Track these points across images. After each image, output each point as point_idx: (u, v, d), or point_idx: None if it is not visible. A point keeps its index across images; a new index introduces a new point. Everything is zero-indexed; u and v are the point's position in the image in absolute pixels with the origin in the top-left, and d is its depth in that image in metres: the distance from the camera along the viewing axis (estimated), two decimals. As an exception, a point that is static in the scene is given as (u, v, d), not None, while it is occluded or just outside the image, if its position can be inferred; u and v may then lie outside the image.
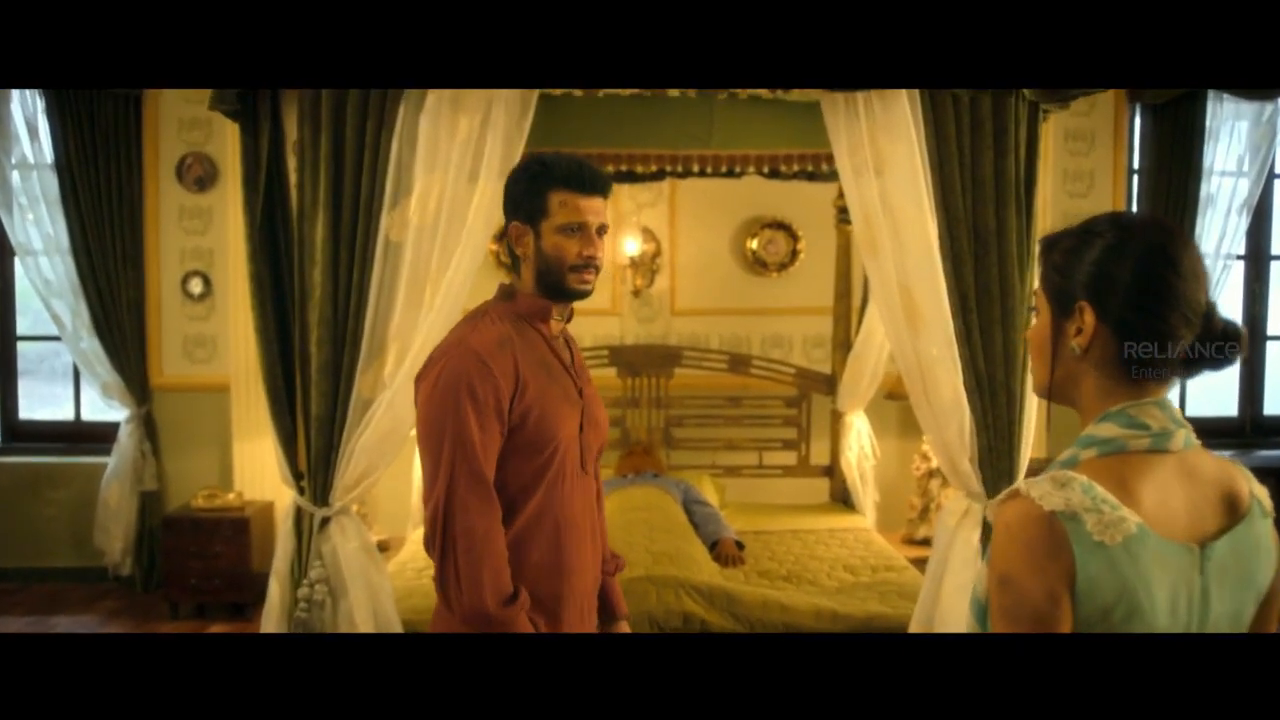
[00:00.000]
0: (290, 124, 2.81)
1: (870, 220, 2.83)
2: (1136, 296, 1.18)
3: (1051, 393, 1.27)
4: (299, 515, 2.89)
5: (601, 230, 1.91)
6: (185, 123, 5.13)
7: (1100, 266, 1.19)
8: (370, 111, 2.71)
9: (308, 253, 2.75)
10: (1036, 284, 1.30)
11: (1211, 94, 5.08)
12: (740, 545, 4.03)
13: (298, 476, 2.90)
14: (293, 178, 2.83)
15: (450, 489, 1.75)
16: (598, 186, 1.89)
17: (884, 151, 2.76)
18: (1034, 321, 1.31)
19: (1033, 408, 2.89)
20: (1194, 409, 5.55)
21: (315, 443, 2.81)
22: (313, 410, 2.80)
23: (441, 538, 1.75)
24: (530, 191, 1.87)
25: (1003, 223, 2.75)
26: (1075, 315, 1.22)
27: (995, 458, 2.84)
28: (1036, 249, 2.77)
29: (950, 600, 2.83)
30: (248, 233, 2.82)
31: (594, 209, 1.89)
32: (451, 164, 2.75)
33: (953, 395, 2.80)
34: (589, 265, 1.88)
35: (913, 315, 2.81)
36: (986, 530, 2.87)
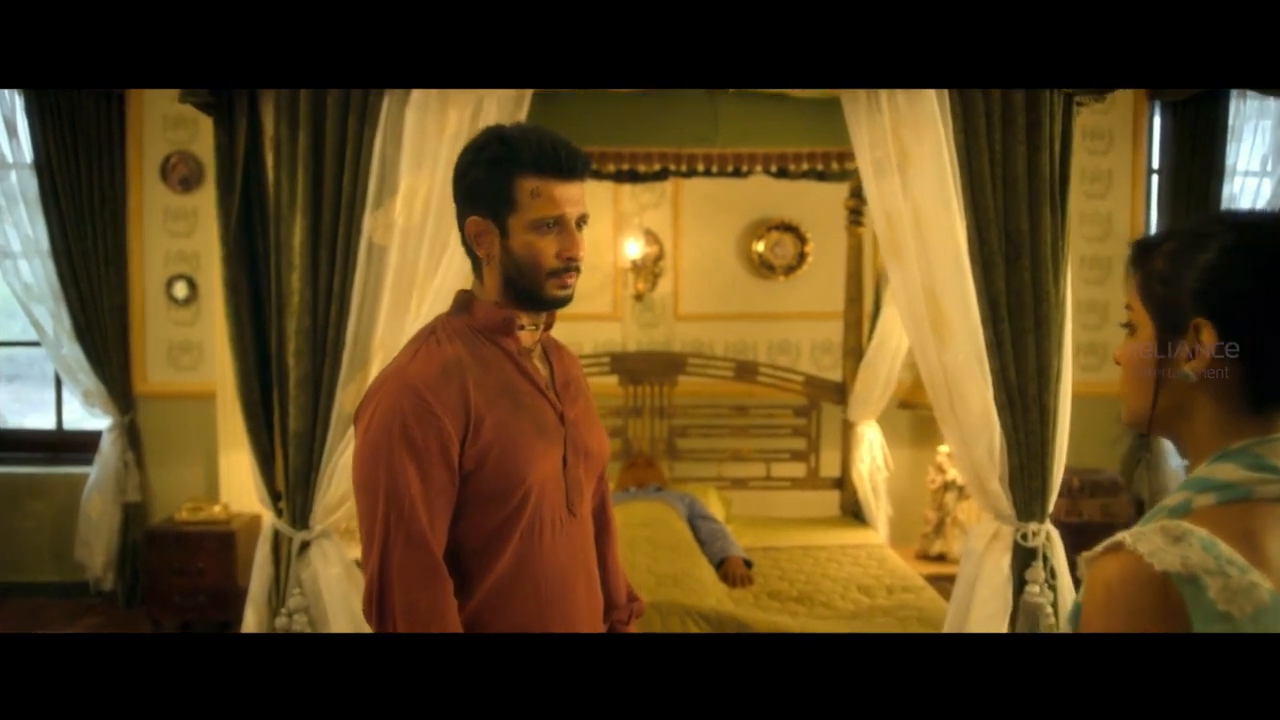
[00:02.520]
0: (268, 118, 2.61)
1: (893, 221, 2.62)
2: (1267, 309, 0.97)
3: (1153, 425, 1.06)
4: (277, 539, 2.70)
5: (582, 222, 1.58)
6: (170, 120, 4.96)
7: (1219, 274, 0.99)
8: (352, 105, 2.50)
9: (285, 257, 2.55)
10: (1130, 296, 1.09)
11: (1234, 91, 4.89)
12: (748, 564, 3.84)
13: (275, 497, 2.70)
14: (271, 176, 2.63)
15: (385, 557, 1.45)
16: (575, 168, 1.54)
17: (908, 147, 2.55)
18: (1127, 341, 1.10)
19: (1065, 424, 2.69)
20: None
21: (294, 461, 2.61)
22: (291, 426, 2.59)
23: (378, 615, 1.47)
24: (492, 179, 1.53)
25: (1036, 224, 2.54)
26: (1189, 334, 1.01)
27: (1027, 477, 2.63)
28: (1068, 252, 2.62)
29: (979, 632, 2.63)
30: (222, 236, 2.62)
31: (572, 197, 1.55)
32: (440, 161, 2.53)
33: (981, 410, 2.59)
34: (569, 267, 1.56)
35: (939, 323, 2.60)
36: (1018, 555, 2.66)
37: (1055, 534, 2.68)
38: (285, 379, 2.60)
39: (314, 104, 2.51)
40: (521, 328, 1.61)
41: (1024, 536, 2.64)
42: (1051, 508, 2.68)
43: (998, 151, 2.53)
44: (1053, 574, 2.67)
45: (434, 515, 1.47)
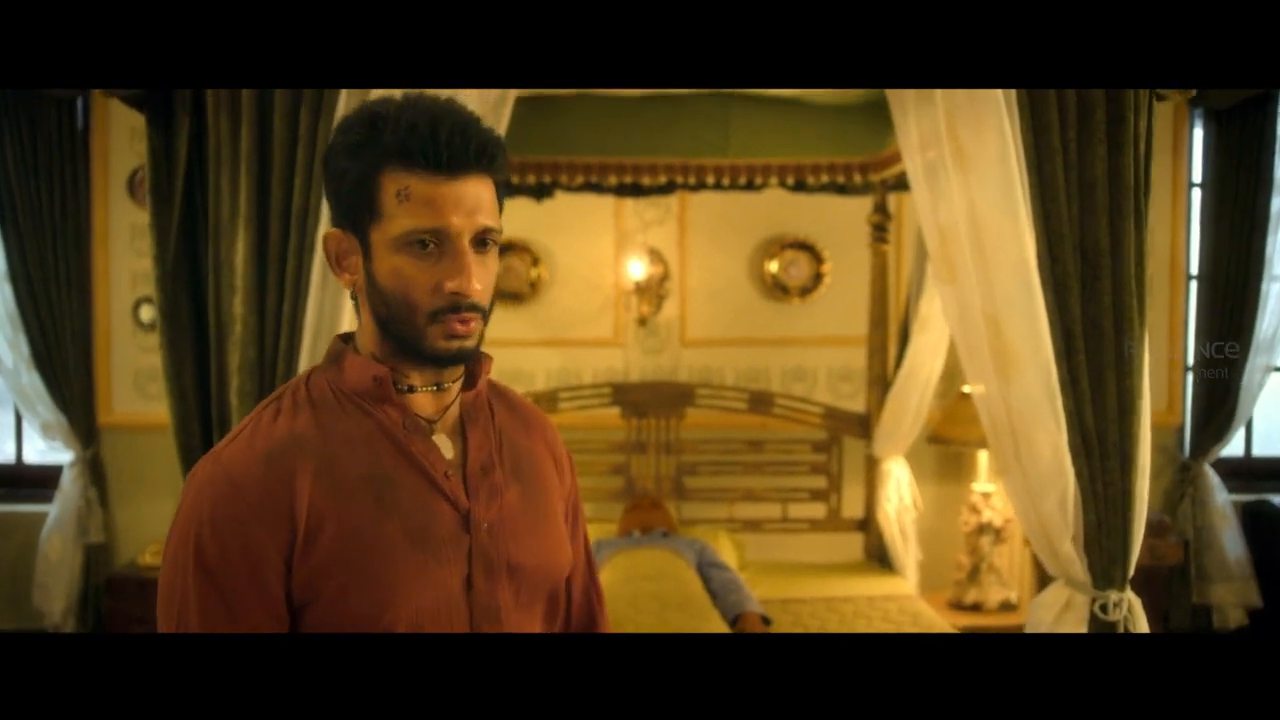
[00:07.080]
0: (211, 113, 2.24)
1: (947, 235, 2.23)
2: None
3: None
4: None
5: (485, 239, 1.08)
6: (138, 132, 4.60)
7: None
8: (304, 97, 2.13)
9: (226, 278, 2.17)
10: None
11: (1281, 98, 4.57)
12: (766, 620, 3.43)
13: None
14: (210, 181, 2.26)
15: None
16: (466, 157, 1.05)
17: (967, 147, 2.15)
18: None
19: (1147, 473, 2.28)
20: (1261, 448, 5.04)
21: (238, 518, 2.22)
22: (234, 478, 2.21)
23: None
24: (350, 174, 1.07)
25: (1118, 239, 2.14)
26: None
27: (1105, 537, 2.22)
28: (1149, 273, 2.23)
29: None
30: (156, 253, 2.25)
31: (462, 201, 1.05)
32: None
33: (1053, 458, 2.19)
34: (459, 307, 1.07)
35: (1002, 356, 2.20)
36: (1094, 629, 2.25)
37: (1138, 604, 2.27)
38: (227, 422, 2.21)
39: (259, 95, 2.13)
40: (409, 389, 1.14)
41: (1103, 608, 2.23)
42: (1132, 571, 2.27)
43: (1073, 152, 2.13)
44: (1136, 652, 2.26)
45: None
